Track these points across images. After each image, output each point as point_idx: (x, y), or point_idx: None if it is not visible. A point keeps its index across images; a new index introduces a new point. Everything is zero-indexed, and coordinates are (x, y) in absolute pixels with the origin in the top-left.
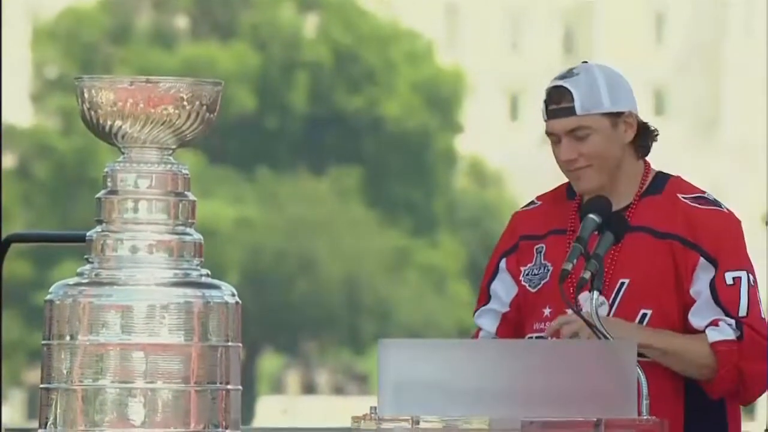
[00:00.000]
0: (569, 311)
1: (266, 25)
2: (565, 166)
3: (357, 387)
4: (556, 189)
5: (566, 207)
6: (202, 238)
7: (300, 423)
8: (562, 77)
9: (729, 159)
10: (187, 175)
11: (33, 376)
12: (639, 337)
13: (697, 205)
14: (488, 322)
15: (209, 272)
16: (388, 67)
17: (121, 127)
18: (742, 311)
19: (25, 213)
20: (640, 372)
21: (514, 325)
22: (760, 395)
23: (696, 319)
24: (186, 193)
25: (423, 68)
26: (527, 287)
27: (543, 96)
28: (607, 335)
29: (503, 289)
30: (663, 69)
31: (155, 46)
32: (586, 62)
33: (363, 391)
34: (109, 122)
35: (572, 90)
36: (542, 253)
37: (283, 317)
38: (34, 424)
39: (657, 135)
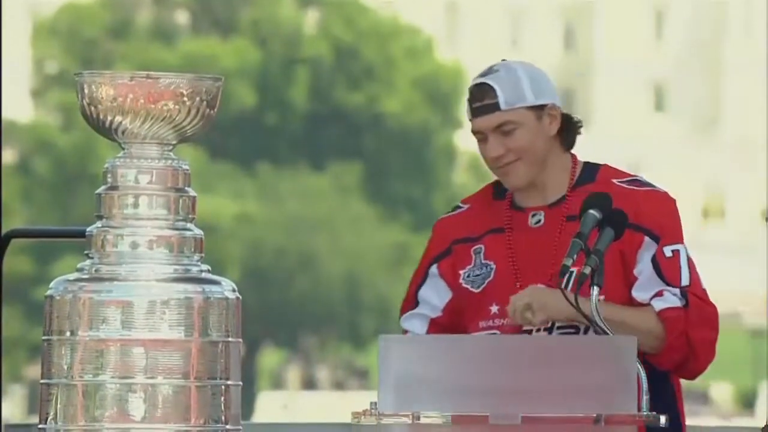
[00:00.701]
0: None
1: (266, 21)
2: (493, 163)
3: (357, 382)
4: (481, 191)
5: (497, 206)
6: (202, 233)
7: (300, 418)
8: (483, 75)
9: (729, 156)
10: (188, 170)
11: (33, 371)
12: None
13: (634, 187)
14: (417, 325)
15: (210, 268)
16: (388, 64)
17: (121, 122)
18: (684, 281)
19: (25, 208)
20: (639, 367)
21: (446, 330)
22: (708, 365)
23: (640, 293)
24: (186, 188)
25: (423, 64)
26: (469, 288)
27: (467, 95)
28: (607, 330)
29: (435, 294)
30: (663, 66)
31: (155, 42)
32: (504, 60)
33: (363, 386)
34: (109, 118)
35: (495, 86)
36: (481, 254)
37: (283, 313)
38: (35, 420)
39: (581, 126)
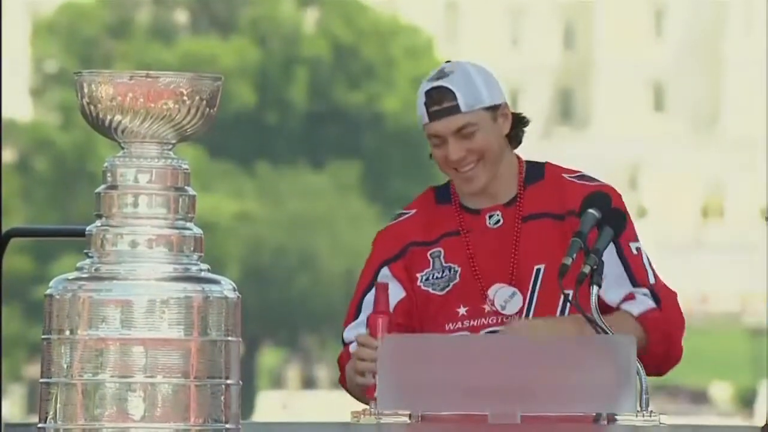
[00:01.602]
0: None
1: (266, 20)
2: (454, 166)
3: None
4: (422, 197)
5: (445, 211)
6: (202, 232)
7: (300, 417)
8: (437, 78)
9: (728, 155)
10: (187, 169)
11: (33, 370)
12: (576, 331)
13: (585, 182)
14: (361, 332)
15: (209, 267)
16: (388, 63)
17: (120, 121)
18: (651, 279)
19: (24, 207)
20: (639, 366)
21: (397, 331)
22: (678, 361)
23: (610, 295)
24: (186, 187)
25: (423, 64)
26: (431, 291)
27: (420, 98)
28: (607, 330)
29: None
30: (663, 65)
31: (155, 41)
32: (449, 61)
33: None
34: (108, 117)
35: (453, 88)
36: (441, 257)
37: (282, 312)
38: (34, 419)
39: (528, 123)
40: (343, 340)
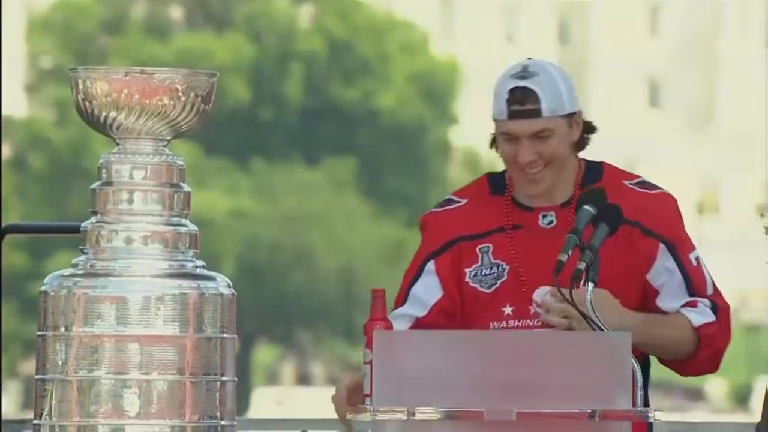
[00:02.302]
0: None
1: (261, 16)
2: (523, 167)
3: None
4: (475, 184)
5: (498, 203)
6: (197, 229)
7: (295, 414)
8: (522, 77)
9: (724, 151)
10: (182, 166)
11: (28, 367)
12: (632, 327)
13: (645, 190)
14: (401, 326)
15: (204, 263)
16: (383, 59)
17: (116, 118)
18: (710, 289)
19: (20, 204)
20: (634, 363)
21: (432, 329)
22: (713, 373)
23: (668, 303)
24: (181, 184)
25: (418, 59)
26: (478, 288)
27: (501, 93)
28: (603, 327)
29: (425, 292)
30: (658, 61)
31: (150, 37)
32: (530, 59)
33: None
34: (104, 113)
35: (538, 92)
36: (489, 253)
37: (278, 308)
38: (30, 415)
39: (595, 131)
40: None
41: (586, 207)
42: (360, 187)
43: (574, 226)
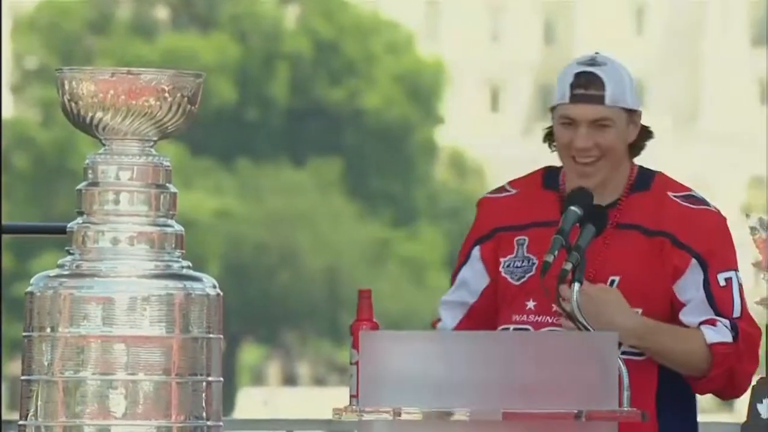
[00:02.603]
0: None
1: (247, 17)
2: (574, 154)
3: (338, 378)
4: (530, 176)
5: (546, 197)
6: (183, 229)
7: (281, 414)
8: (590, 64)
9: (709, 151)
10: (169, 167)
11: (14, 367)
12: (639, 331)
13: (688, 204)
14: (449, 316)
15: (190, 264)
16: (369, 59)
17: (102, 118)
18: (736, 312)
19: (4, 204)
20: (621, 363)
21: (482, 316)
22: (743, 393)
23: (689, 318)
24: (167, 184)
25: (404, 60)
26: (508, 279)
27: (566, 77)
28: (588, 327)
29: (473, 277)
30: (643, 61)
31: (136, 38)
32: (598, 53)
33: (344, 382)
34: (90, 114)
35: (604, 79)
36: (525, 246)
37: (264, 309)
38: (15, 416)
39: (652, 137)
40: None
41: (573, 208)
42: (346, 188)
43: (560, 227)
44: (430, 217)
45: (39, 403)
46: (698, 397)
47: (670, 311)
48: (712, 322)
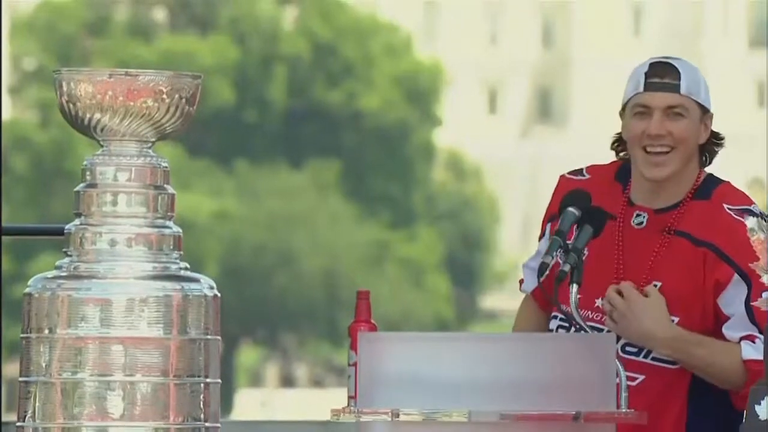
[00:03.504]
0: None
1: (245, 18)
2: (648, 141)
3: (336, 380)
4: (608, 166)
5: (615, 189)
6: (181, 231)
7: (279, 416)
8: (665, 58)
9: None
10: (167, 168)
11: (11, 369)
12: (672, 342)
13: (740, 218)
14: (530, 281)
15: (188, 265)
16: (367, 61)
17: (100, 120)
18: None
19: (2, 206)
20: (619, 365)
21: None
22: None
23: (730, 332)
24: (165, 186)
25: (402, 61)
26: (560, 262)
27: (640, 70)
28: (585, 328)
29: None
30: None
31: (134, 39)
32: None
33: (342, 384)
34: (88, 115)
35: (679, 69)
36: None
37: (261, 310)
38: (13, 417)
39: (722, 144)
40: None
41: (570, 209)
42: (344, 189)
43: (558, 228)
44: (428, 219)
45: (37, 404)
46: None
47: (713, 323)
48: (752, 338)
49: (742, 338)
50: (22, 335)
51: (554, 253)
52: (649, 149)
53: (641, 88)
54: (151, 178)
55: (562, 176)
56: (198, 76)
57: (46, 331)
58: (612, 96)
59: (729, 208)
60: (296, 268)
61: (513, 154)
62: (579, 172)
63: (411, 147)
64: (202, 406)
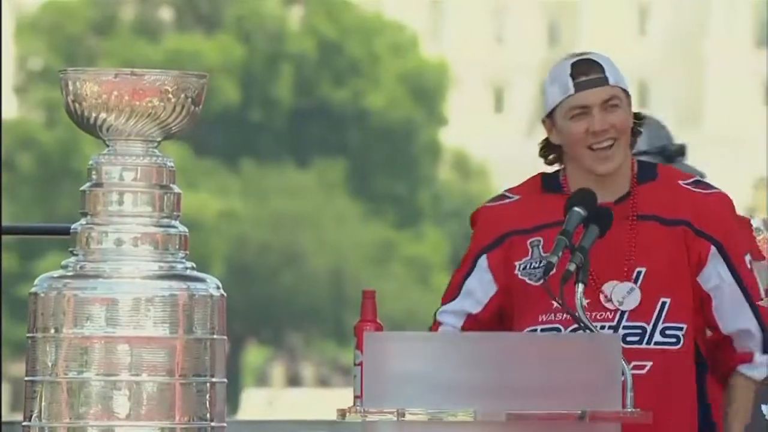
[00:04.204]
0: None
1: (250, 17)
2: (593, 140)
3: (342, 379)
4: (528, 182)
5: (552, 200)
6: (187, 230)
7: (285, 415)
8: (579, 54)
9: (712, 152)
10: (173, 167)
11: (17, 368)
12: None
13: (700, 190)
14: (452, 321)
15: (194, 265)
16: (373, 59)
17: (105, 119)
18: (763, 293)
19: (8, 205)
20: (624, 365)
21: (485, 326)
22: None
23: (724, 323)
24: (171, 185)
25: (407, 60)
26: (527, 281)
27: (560, 74)
28: (591, 328)
29: (480, 287)
30: (646, 61)
31: (139, 38)
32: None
33: (348, 383)
34: (93, 115)
35: (599, 62)
36: (540, 247)
37: (268, 310)
38: (19, 417)
39: (644, 123)
40: (435, 317)
41: (576, 209)
42: (350, 188)
43: (564, 228)
44: (434, 218)
45: (43, 404)
46: None
47: (697, 304)
48: (749, 359)
49: (738, 363)
50: (28, 335)
51: (560, 253)
52: (595, 146)
53: (572, 90)
54: (156, 177)
55: (482, 208)
56: (203, 76)
57: (52, 331)
58: None
59: (685, 184)
60: (302, 268)
61: (519, 153)
62: (501, 197)
63: (417, 146)
64: (208, 405)
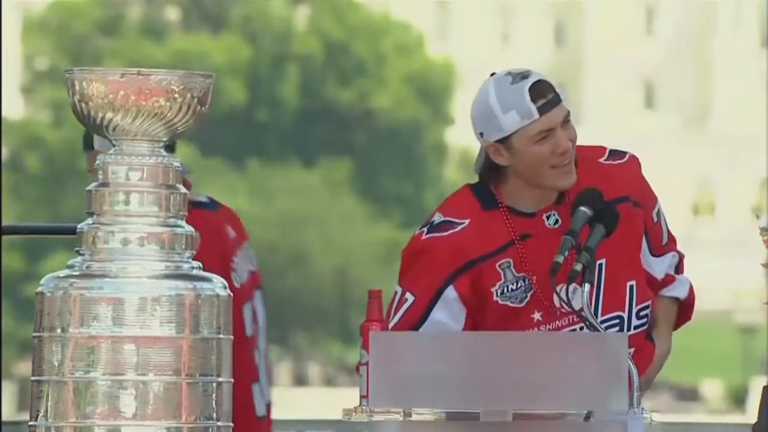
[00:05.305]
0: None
1: (257, 18)
2: (559, 159)
3: (348, 379)
4: (463, 201)
5: (497, 217)
6: (193, 230)
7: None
8: (524, 76)
9: (719, 152)
10: (179, 167)
11: (24, 368)
12: (670, 344)
13: (618, 162)
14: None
15: (201, 265)
16: (379, 60)
17: (112, 119)
18: (665, 238)
19: (15, 205)
20: (631, 364)
21: None
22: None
23: (655, 268)
24: (177, 185)
25: (414, 60)
26: (509, 304)
27: (518, 99)
28: (598, 328)
29: (452, 318)
30: (653, 61)
31: (146, 38)
32: (494, 74)
33: (354, 383)
34: (100, 114)
35: (546, 79)
36: (511, 268)
37: (274, 309)
38: (25, 417)
39: None
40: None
41: (582, 208)
42: (356, 189)
43: (570, 228)
44: None
45: (49, 403)
46: (709, 398)
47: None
48: (670, 282)
49: (664, 286)
50: (34, 334)
51: (566, 253)
52: (559, 165)
53: (536, 115)
54: (163, 177)
55: (429, 239)
56: (210, 76)
57: (59, 330)
58: (624, 95)
59: (603, 161)
60: (308, 268)
61: None
62: (449, 224)
63: (423, 146)
64: (214, 405)
